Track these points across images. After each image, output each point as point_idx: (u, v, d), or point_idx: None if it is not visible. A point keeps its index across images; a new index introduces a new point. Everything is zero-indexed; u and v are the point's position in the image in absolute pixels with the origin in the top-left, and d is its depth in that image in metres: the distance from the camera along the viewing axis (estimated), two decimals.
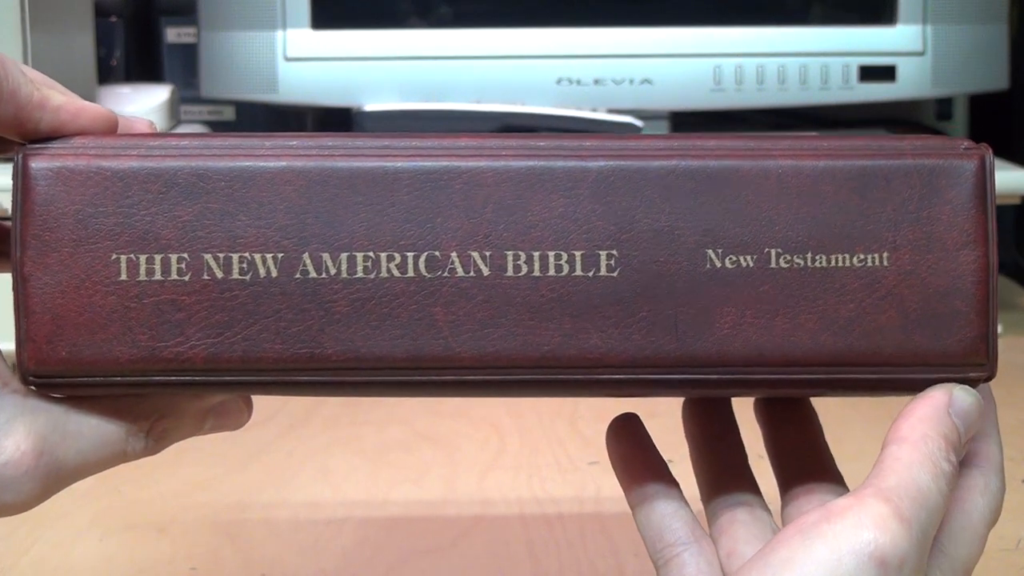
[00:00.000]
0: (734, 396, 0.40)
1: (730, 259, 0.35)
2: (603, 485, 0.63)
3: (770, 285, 0.35)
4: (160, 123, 0.95)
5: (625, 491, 0.40)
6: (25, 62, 0.77)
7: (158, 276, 0.35)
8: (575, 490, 0.63)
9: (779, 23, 0.97)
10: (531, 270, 0.35)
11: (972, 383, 0.37)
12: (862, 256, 0.36)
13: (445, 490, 0.64)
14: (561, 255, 0.35)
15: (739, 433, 0.42)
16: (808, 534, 0.32)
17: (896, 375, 0.37)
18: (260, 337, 0.35)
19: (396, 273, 0.35)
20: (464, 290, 0.35)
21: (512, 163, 0.35)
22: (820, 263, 0.35)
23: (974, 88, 0.99)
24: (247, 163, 0.35)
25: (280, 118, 1.13)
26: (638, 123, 0.96)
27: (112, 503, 0.62)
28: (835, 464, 0.42)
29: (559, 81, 0.97)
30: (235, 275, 0.35)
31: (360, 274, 0.35)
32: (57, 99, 0.35)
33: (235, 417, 0.38)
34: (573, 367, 0.35)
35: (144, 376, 0.35)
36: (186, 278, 0.35)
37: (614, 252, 0.35)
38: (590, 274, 0.35)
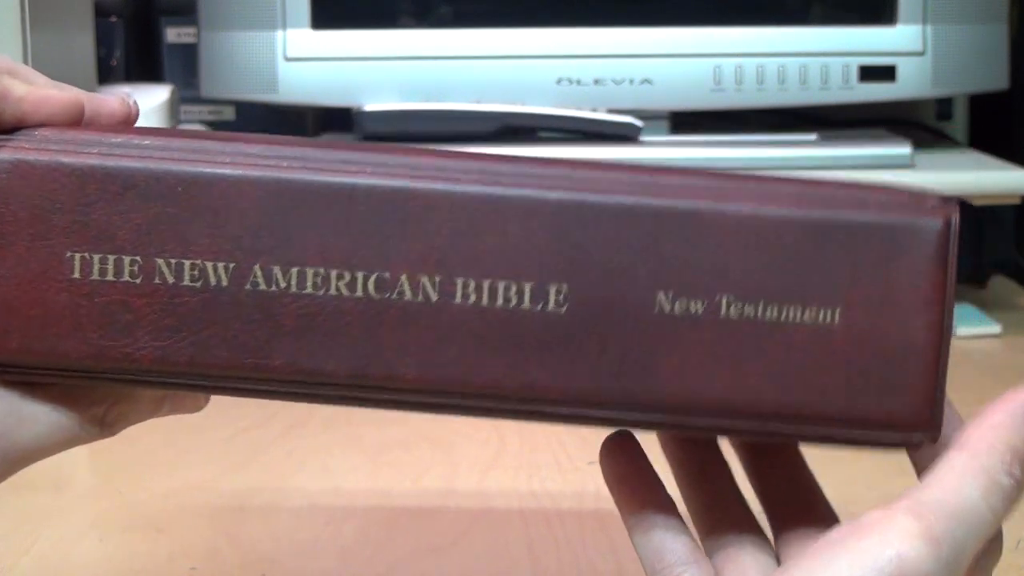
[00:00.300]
0: (677, 436, 0.40)
1: (680, 304, 0.34)
2: (603, 484, 0.63)
3: (718, 333, 0.34)
4: (160, 123, 0.95)
5: (621, 511, 0.39)
6: (25, 62, 0.77)
7: (110, 277, 0.35)
8: (575, 489, 0.63)
9: (779, 23, 0.97)
10: (480, 299, 0.35)
11: (914, 446, 0.36)
12: (814, 311, 0.34)
13: (445, 489, 0.64)
14: (511, 286, 0.34)
15: (725, 463, 0.40)
16: (834, 547, 0.31)
17: (838, 433, 0.36)
18: (208, 344, 0.35)
19: (345, 292, 0.35)
20: (411, 314, 0.35)
21: (470, 188, 0.34)
22: (771, 315, 0.34)
23: (974, 88, 0.99)
24: (205, 170, 0.34)
25: (280, 118, 1.13)
26: (638, 123, 0.96)
27: (112, 503, 0.62)
28: (822, 496, 0.41)
29: (559, 81, 0.97)
30: (186, 282, 0.35)
31: (309, 290, 0.34)
32: (18, 90, 0.35)
33: (192, 402, 0.39)
34: (516, 398, 0.35)
35: (93, 372, 0.35)
36: (138, 281, 0.35)
37: (564, 287, 0.34)
38: (538, 307, 0.35)
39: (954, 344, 0.96)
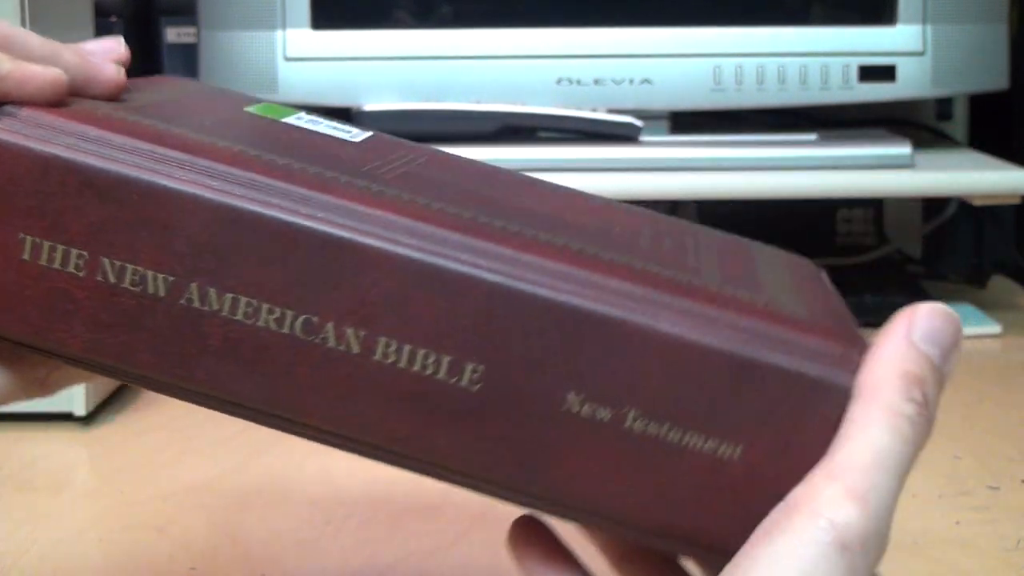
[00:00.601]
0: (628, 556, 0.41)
1: (588, 407, 0.35)
2: None
3: (619, 444, 0.35)
4: None
5: None
6: None
7: (57, 265, 0.35)
8: None
9: (779, 23, 0.97)
10: (398, 360, 0.35)
11: None
12: (716, 443, 0.34)
13: (445, 489, 0.64)
14: (430, 355, 0.35)
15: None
16: (770, 533, 0.32)
17: (720, 559, 0.35)
18: (137, 346, 0.36)
19: (273, 326, 0.35)
20: (332, 360, 0.35)
21: (409, 254, 0.35)
22: (673, 437, 0.34)
23: (974, 88, 0.99)
24: (162, 183, 0.35)
25: None
26: (638, 123, 0.96)
27: (112, 503, 0.62)
28: None
29: (559, 81, 0.97)
30: (126, 284, 0.35)
31: (240, 317, 0.35)
32: (3, 67, 0.35)
33: None
34: (419, 459, 0.36)
35: (30, 346, 0.36)
36: (81, 274, 0.35)
37: (480, 368, 0.35)
38: (452, 380, 0.35)
39: None
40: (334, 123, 0.45)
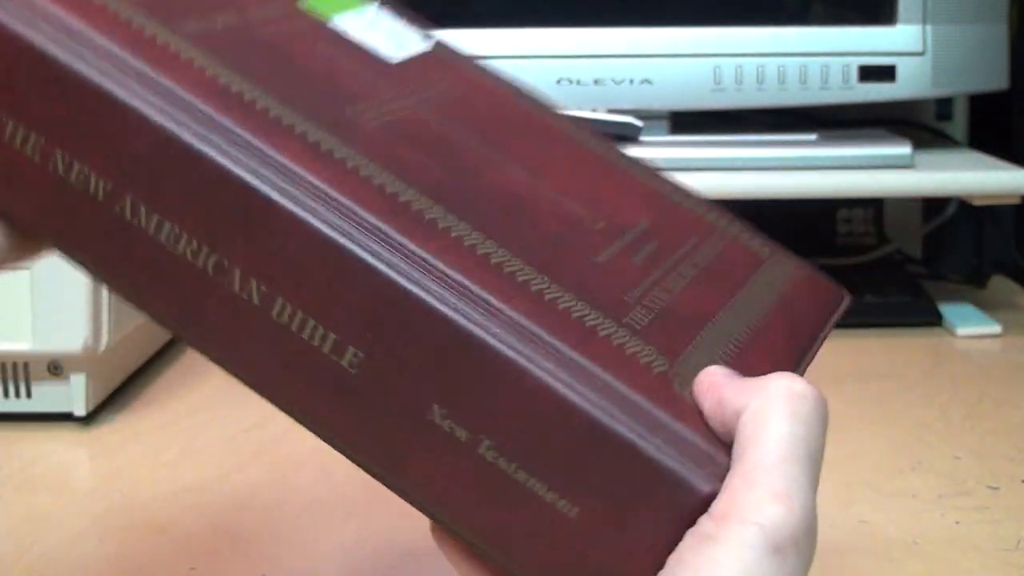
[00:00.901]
0: None
1: (448, 423, 0.35)
2: None
3: (469, 465, 0.35)
4: None
5: None
6: None
7: (16, 144, 0.37)
8: None
9: (779, 23, 0.97)
10: (291, 324, 0.36)
11: None
12: (556, 496, 0.34)
13: None
14: (319, 328, 0.36)
15: None
16: (704, 543, 0.31)
17: None
18: (69, 234, 0.37)
19: (189, 257, 0.36)
20: (235, 304, 0.36)
21: (320, 228, 0.35)
22: (519, 477, 0.35)
23: (974, 88, 0.99)
24: (121, 97, 0.36)
25: None
26: (638, 123, 0.96)
27: (112, 503, 0.62)
28: None
29: (559, 81, 0.97)
30: (72, 180, 0.37)
31: (163, 239, 0.36)
32: None
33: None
34: (297, 414, 0.37)
35: None
36: (35, 159, 0.37)
37: (361, 355, 0.35)
38: (334, 358, 0.36)
39: (954, 344, 0.96)
40: (392, 28, 0.45)
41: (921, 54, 0.96)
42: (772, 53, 0.96)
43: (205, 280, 0.36)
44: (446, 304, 0.35)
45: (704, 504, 0.33)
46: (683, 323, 0.38)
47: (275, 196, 0.35)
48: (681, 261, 0.41)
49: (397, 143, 0.39)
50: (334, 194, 0.35)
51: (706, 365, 0.36)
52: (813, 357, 0.43)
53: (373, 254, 0.35)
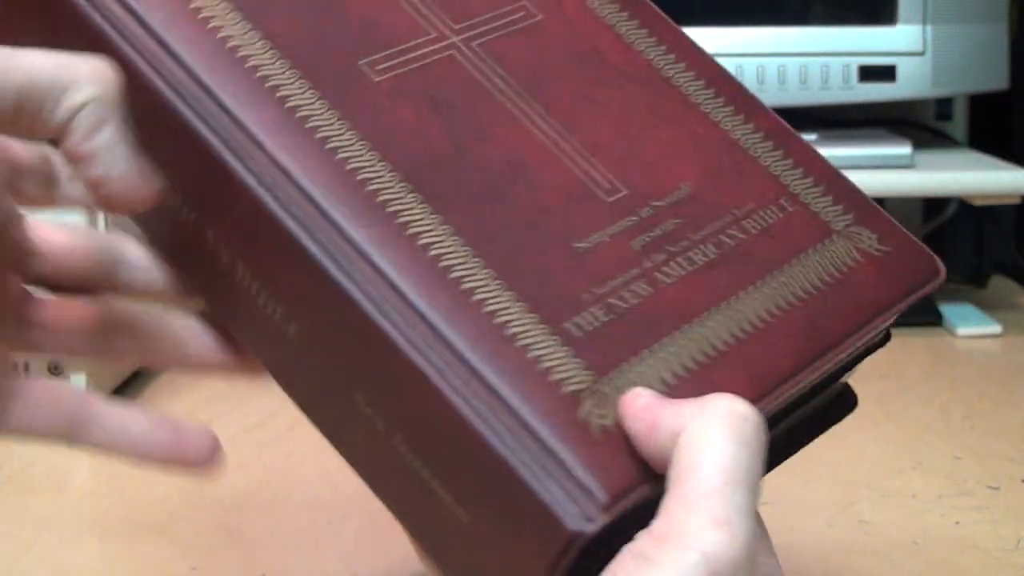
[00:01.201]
0: None
1: (370, 410, 0.35)
2: None
3: (385, 453, 0.35)
4: None
5: None
6: None
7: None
8: None
9: (779, 23, 0.97)
10: (250, 289, 0.37)
11: None
12: (453, 501, 0.34)
13: None
14: (272, 300, 0.37)
15: None
16: (642, 565, 0.30)
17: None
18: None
19: (178, 208, 0.38)
20: (212, 257, 0.38)
21: (270, 206, 0.36)
22: (423, 474, 0.35)
23: (974, 88, 0.99)
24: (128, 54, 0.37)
25: None
26: None
27: (112, 503, 0.62)
28: None
29: None
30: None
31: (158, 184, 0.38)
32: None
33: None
34: (267, 365, 0.39)
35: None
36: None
37: (304, 328, 0.37)
38: (281, 327, 0.37)
39: (954, 344, 0.95)
40: None
41: (921, 54, 0.96)
42: (772, 53, 0.96)
43: (190, 230, 0.38)
44: (367, 297, 0.35)
45: (571, 543, 0.32)
46: (646, 326, 0.36)
47: (240, 172, 0.36)
48: (704, 240, 0.39)
49: (401, 102, 0.38)
50: (293, 171, 0.36)
51: (655, 377, 0.35)
52: (871, 340, 0.40)
53: (310, 238, 0.35)
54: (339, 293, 0.35)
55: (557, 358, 0.34)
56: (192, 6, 0.38)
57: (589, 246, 0.37)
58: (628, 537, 0.31)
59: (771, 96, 0.97)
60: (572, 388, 0.34)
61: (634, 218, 0.38)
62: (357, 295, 0.35)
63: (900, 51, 0.96)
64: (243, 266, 0.37)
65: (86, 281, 0.40)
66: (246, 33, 0.38)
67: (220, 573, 0.55)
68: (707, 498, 0.31)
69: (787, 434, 0.41)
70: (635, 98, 0.42)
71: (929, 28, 0.96)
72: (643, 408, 0.33)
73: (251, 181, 0.36)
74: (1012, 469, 0.67)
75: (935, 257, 0.42)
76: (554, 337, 0.35)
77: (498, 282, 0.35)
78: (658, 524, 0.31)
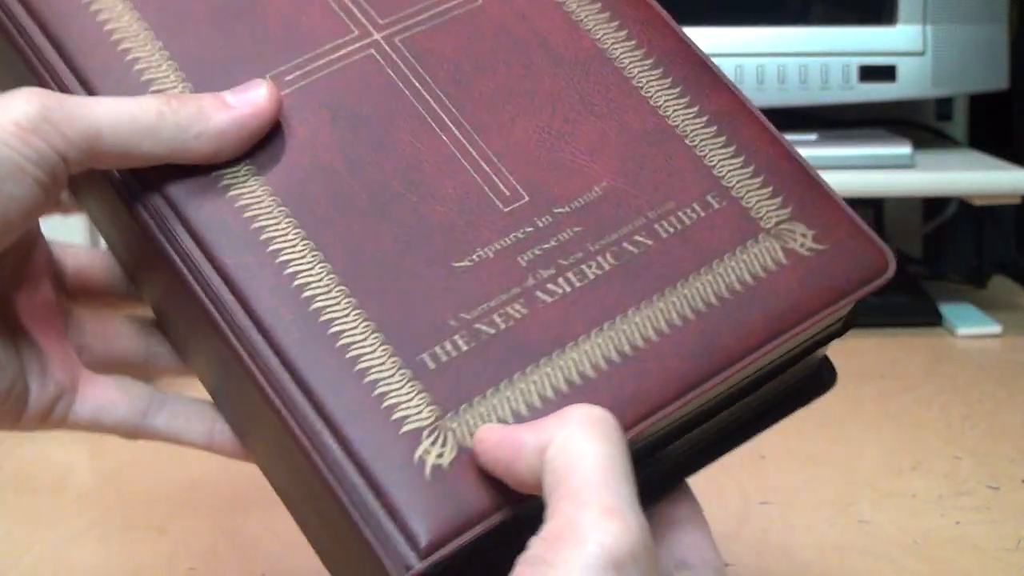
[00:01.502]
0: None
1: (254, 425, 0.39)
2: None
3: (284, 463, 0.37)
4: None
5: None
6: None
7: None
8: None
9: (779, 23, 0.97)
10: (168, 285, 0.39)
11: None
12: (321, 523, 0.37)
13: None
14: (173, 311, 0.40)
15: None
16: (539, 568, 0.30)
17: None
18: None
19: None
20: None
21: (159, 240, 0.38)
22: (304, 497, 0.38)
23: (974, 88, 0.99)
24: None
25: None
26: None
27: (112, 503, 0.62)
28: None
29: None
30: None
31: None
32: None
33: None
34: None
35: None
36: None
37: (201, 349, 0.39)
38: (188, 338, 0.40)
39: (954, 344, 0.95)
40: None
41: (921, 54, 0.96)
42: (772, 53, 0.96)
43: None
44: (230, 326, 0.35)
45: None
46: (512, 353, 0.35)
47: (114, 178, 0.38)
48: (603, 250, 0.36)
49: (302, 116, 0.38)
50: (165, 189, 0.37)
51: (507, 411, 0.34)
52: (816, 337, 0.38)
53: (179, 255, 0.36)
54: (208, 318, 0.36)
55: (403, 395, 0.34)
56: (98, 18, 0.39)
57: (470, 265, 0.36)
58: (522, 544, 0.31)
59: (771, 96, 0.97)
60: (412, 427, 0.34)
61: (529, 229, 0.37)
62: (221, 324, 0.35)
63: (900, 51, 0.96)
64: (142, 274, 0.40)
65: (108, 292, 0.43)
66: (146, 45, 0.39)
67: (220, 573, 0.55)
68: (595, 492, 0.31)
69: (757, 408, 0.40)
70: (565, 88, 0.39)
71: (929, 28, 0.96)
72: (503, 439, 0.33)
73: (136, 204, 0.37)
74: (1012, 469, 0.67)
75: (886, 251, 0.39)
76: (404, 371, 0.34)
77: (358, 312, 0.35)
78: (549, 526, 0.31)
